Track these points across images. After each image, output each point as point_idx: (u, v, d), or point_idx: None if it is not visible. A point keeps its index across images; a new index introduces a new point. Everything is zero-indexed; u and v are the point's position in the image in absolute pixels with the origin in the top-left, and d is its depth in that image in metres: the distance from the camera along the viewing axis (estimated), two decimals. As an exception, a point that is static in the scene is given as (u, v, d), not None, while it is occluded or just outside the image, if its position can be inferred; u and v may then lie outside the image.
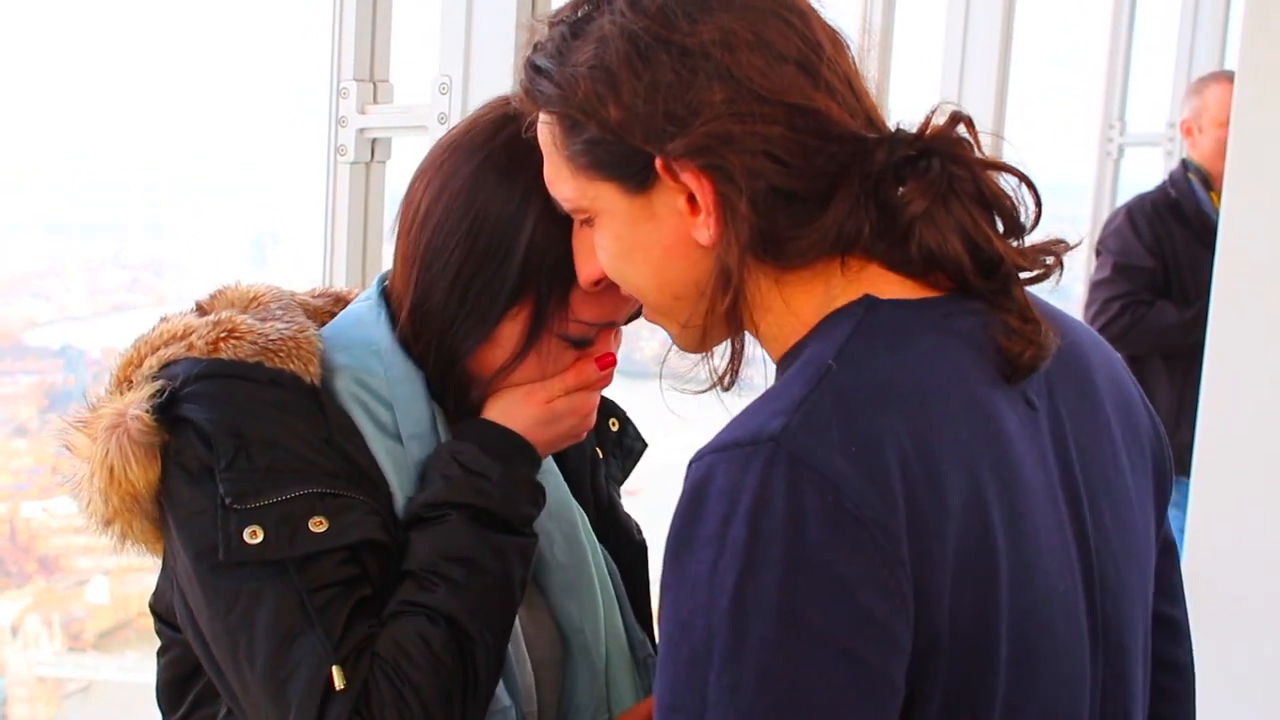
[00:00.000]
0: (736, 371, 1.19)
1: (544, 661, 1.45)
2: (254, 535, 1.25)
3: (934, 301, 1.11)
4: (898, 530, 0.97)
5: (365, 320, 1.41)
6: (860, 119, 1.12)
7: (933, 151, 1.11)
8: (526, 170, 1.30)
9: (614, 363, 1.42)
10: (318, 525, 1.27)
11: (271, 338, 1.34)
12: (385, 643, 1.27)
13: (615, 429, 1.64)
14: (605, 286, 1.29)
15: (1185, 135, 4.14)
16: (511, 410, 1.38)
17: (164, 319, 1.40)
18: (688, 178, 1.10)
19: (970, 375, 1.08)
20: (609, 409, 1.64)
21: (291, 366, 1.34)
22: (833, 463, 0.97)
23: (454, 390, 1.40)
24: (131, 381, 1.33)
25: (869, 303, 1.09)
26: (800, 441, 0.98)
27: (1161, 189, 4.07)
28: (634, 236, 1.16)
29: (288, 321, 1.38)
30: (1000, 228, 1.13)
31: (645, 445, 1.67)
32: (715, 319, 1.15)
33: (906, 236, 1.10)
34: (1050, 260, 1.14)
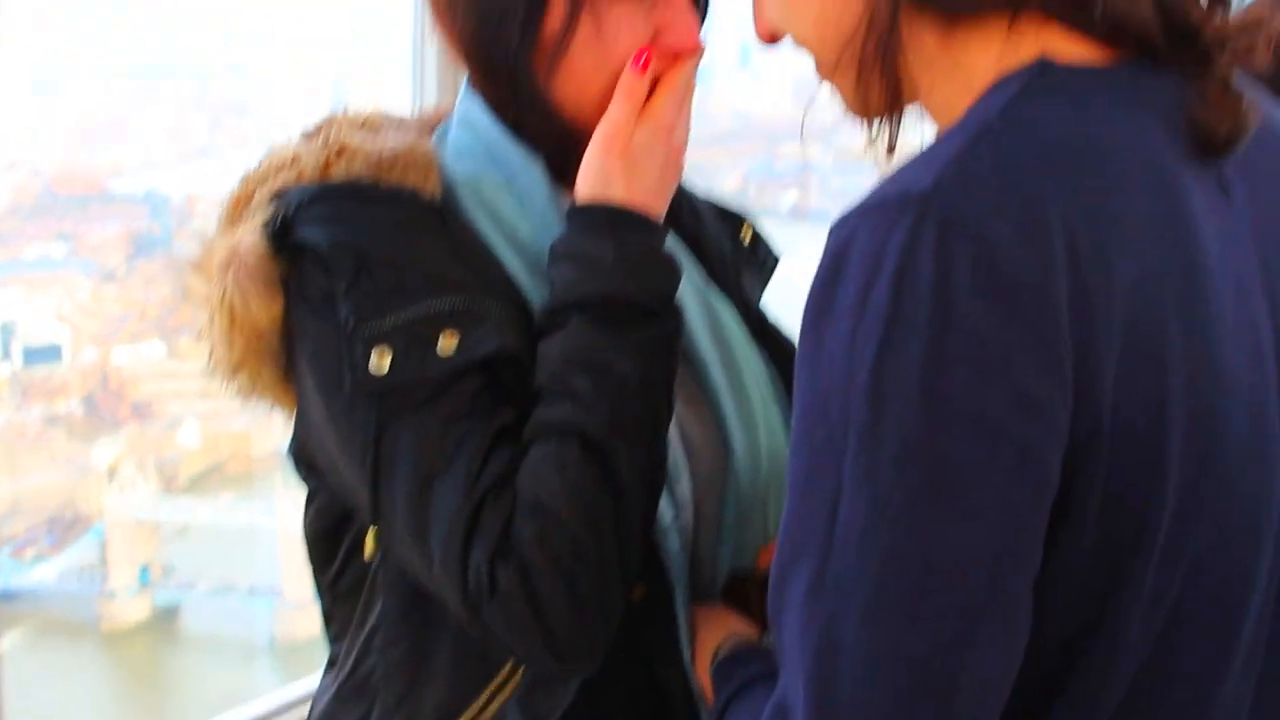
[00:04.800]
0: (895, 136, 1.07)
1: (709, 474, 1.31)
2: (382, 357, 1.15)
3: (1118, 68, 0.98)
4: (1058, 300, 0.86)
5: (467, 120, 1.32)
6: None
7: None
8: None
9: (684, 52, 1.26)
10: (449, 339, 1.17)
11: (385, 153, 1.25)
12: (523, 475, 1.16)
13: (748, 242, 1.51)
14: None
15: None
16: (594, 178, 1.24)
17: (270, 149, 1.31)
18: None
19: (1155, 146, 0.95)
20: (738, 218, 1.52)
21: (410, 181, 1.25)
22: (988, 222, 0.86)
23: (537, 120, 1.28)
24: (243, 218, 1.25)
25: (1042, 65, 0.96)
26: (953, 199, 0.87)
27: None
28: None
29: (402, 136, 1.29)
30: None
31: (777, 260, 1.55)
32: (869, 67, 1.01)
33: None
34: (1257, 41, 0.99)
